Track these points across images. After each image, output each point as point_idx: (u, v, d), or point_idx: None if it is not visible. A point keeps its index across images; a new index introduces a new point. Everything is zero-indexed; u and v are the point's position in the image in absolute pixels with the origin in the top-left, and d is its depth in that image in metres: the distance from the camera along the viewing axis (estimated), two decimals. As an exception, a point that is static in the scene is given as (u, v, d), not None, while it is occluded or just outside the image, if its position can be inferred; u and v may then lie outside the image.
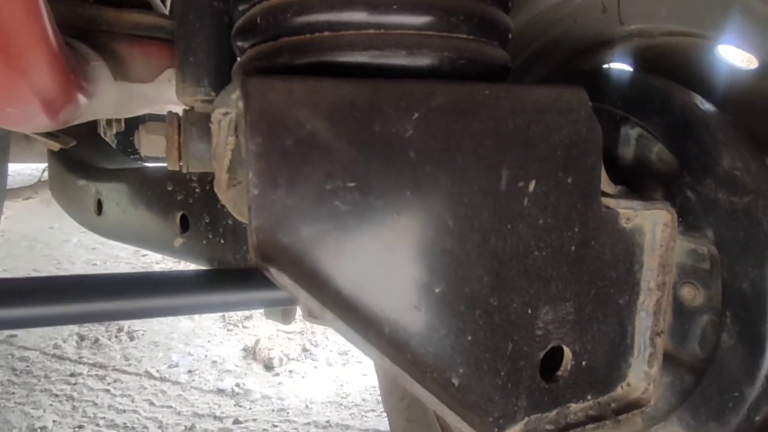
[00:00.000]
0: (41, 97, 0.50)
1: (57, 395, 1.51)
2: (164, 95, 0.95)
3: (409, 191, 0.34)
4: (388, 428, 1.40)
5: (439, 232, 0.36)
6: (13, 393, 1.51)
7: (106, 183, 1.07)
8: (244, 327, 2.08)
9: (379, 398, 1.60)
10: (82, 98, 0.62)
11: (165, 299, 0.44)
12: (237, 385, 1.64)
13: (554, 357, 0.45)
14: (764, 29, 0.49)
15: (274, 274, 0.30)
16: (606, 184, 0.46)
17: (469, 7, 0.39)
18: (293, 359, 1.83)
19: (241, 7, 0.42)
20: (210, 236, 0.88)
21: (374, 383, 1.65)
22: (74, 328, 1.96)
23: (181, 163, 0.65)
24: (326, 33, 0.37)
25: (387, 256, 0.34)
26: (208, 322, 2.10)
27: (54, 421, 1.39)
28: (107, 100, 0.75)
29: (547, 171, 0.40)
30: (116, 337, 1.92)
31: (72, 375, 1.63)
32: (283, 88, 0.31)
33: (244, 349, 1.89)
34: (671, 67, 0.60)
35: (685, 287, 0.50)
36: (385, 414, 1.46)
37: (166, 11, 0.98)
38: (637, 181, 0.53)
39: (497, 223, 0.38)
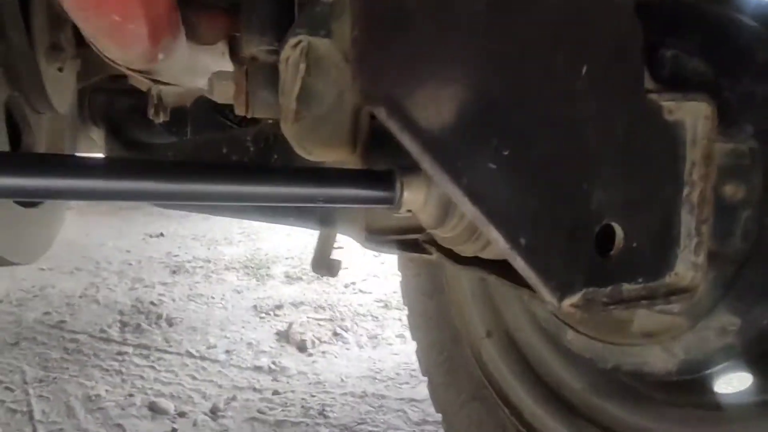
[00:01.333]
0: (152, 20, 0.57)
1: (107, 370, 1.58)
2: (217, 66, 1.03)
3: (481, 62, 0.40)
4: (422, 398, 1.43)
5: (506, 100, 0.41)
6: (67, 368, 1.59)
7: (164, 154, 1.15)
8: (276, 315, 2.14)
9: (413, 373, 1.62)
10: (174, 38, 0.70)
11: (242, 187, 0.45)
12: (273, 363, 1.68)
13: (607, 239, 0.49)
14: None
15: (375, 111, 0.35)
16: (648, 81, 0.51)
17: None
18: (325, 342, 1.87)
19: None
20: (264, 190, 0.94)
21: (406, 360, 1.68)
22: (116, 315, 2.05)
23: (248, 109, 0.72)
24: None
25: (463, 116, 0.39)
26: (240, 311, 2.16)
27: (107, 390, 1.46)
28: (181, 57, 0.83)
29: (597, 58, 0.45)
30: (156, 323, 1.99)
31: (119, 354, 1.70)
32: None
33: (277, 334, 1.94)
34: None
35: (727, 185, 0.54)
36: (418, 385, 1.48)
37: None
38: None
39: (555, 99, 0.43)
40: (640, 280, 0.51)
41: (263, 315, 2.13)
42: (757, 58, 0.50)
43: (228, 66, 1.02)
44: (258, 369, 1.65)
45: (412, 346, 1.14)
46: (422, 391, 1.20)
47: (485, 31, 0.40)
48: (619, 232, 0.49)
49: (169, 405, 1.40)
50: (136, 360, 1.66)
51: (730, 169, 0.53)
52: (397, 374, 1.63)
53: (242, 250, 2.97)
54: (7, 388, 1.47)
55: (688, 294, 0.52)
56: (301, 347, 1.82)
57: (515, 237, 0.42)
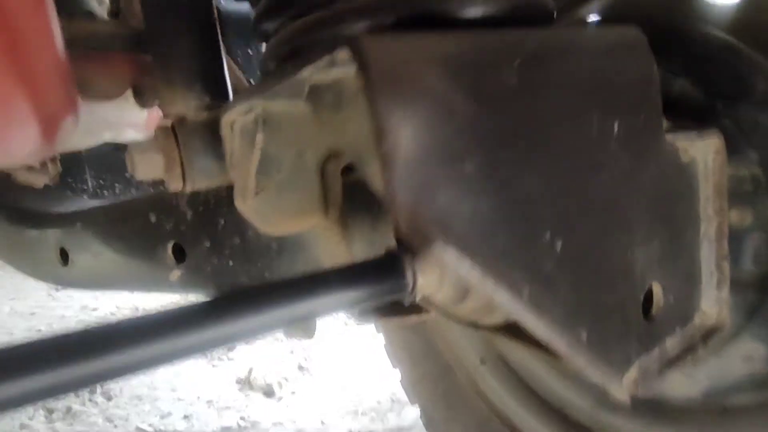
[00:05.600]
0: (44, 113, 0.41)
1: (41, 480, 1.33)
2: (124, 117, 0.86)
3: (525, 143, 0.33)
4: (410, 425, 1.38)
5: (556, 186, 0.34)
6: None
7: (69, 228, 0.94)
8: (230, 359, 1.96)
9: (393, 397, 1.57)
10: (73, 115, 0.53)
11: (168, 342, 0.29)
12: (242, 418, 1.54)
13: (646, 299, 0.45)
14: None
15: (425, 246, 0.27)
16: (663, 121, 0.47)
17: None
18: (292, 380, 1.75)
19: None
20: (215, 261, 0.80)
21: (384, 384, 1.61)
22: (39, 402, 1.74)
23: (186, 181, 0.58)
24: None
25: (515, 219, 0.32)
26: (188, 364, 1.95)
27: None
28: (80, 125, 0.66)
29: (625, 111, 0.40)
30: (91, 400, 1.73)
31: (51, 453, 1.45)
32: (395, 45, 0.28)
33: (238, 381, 1.78)
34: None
35: (732, 211, 0.53)
36: (402, 411, 1.43)
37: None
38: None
39: (597, 172, 0.38)
40: (677, 330, 0.48)
41: (216, 362, 1.94)
42: (759, 87, 0.48)
43: (132, 112, 0.84)
44: (226, 430, 1.49)
45: (385, 368, 1.05)
46: (408, 416, 1.14)
47: (523, 106, 0.32)
48: (657, 290, 0.45)
49: (131, 504, 1.21)
50: (76, 455, 1.42)
51: (733, 195, 0.52)
52: (379, 402, 1.57)
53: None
54: None
55: (720, 332, 0.50)
56: (268, 392, 1.68)
57: (577, 335, 0.36)
